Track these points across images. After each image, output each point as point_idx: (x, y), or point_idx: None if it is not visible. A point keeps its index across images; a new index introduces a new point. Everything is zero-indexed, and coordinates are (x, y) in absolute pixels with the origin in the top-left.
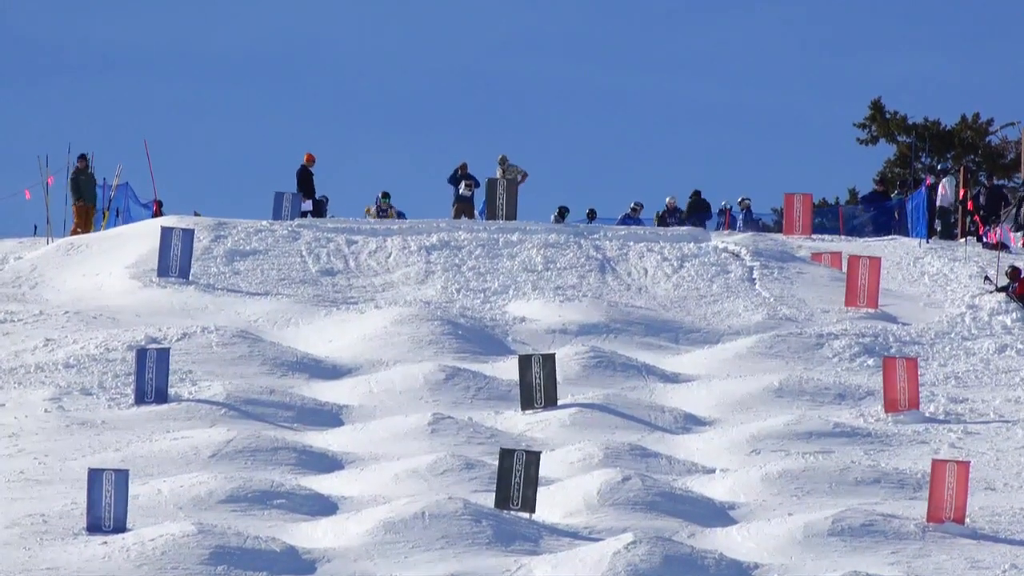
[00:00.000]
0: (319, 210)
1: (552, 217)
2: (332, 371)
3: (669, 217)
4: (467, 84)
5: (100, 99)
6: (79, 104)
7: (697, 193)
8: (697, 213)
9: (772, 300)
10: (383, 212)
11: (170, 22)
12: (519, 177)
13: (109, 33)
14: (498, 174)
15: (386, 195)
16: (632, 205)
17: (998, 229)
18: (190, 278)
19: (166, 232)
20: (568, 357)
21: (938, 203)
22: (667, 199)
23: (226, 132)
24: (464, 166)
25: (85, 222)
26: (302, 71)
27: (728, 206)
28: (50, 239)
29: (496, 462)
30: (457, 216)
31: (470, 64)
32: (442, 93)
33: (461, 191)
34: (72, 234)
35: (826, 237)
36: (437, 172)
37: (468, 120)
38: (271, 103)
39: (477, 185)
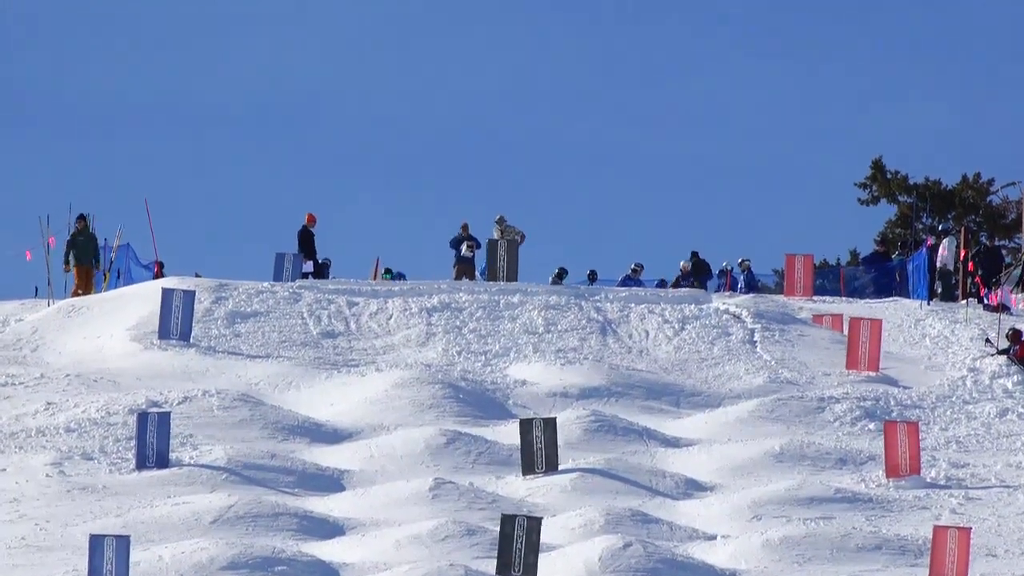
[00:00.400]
0: (321, 272)
1: (550, 279)
2: (333, 435)
3: (683, 281)
4: (465, 144)
5: (101, 160)
6: (80, 165)
7: (696, 254)
8: (697, 275)
9: (773, 363)
10: None
11: (170, 84)
12: (517, 238)
13: (109, 93)
14: (495, 233)
15: (388, 271)
16: (632, 266)
17: (999, 291)
18: (191, 340)
19: (167, 294)
20: (569, 421)
21: (939, 264)
22: (681, 263)
23: (227, 194)
24: (465, 226)
25: (86, 283)
26: (302, 133)
27: (729, 267)
28: (51, 301)
29: (497, 528)
30: (458, 277)
31: (467, 124)
32: (440, 154)
33: (463, 252)
34: (73, 296)
35: (827, 299)
36: (437, 233)
37: (467, 180)
38: (271, 165)
39: (478, 246)
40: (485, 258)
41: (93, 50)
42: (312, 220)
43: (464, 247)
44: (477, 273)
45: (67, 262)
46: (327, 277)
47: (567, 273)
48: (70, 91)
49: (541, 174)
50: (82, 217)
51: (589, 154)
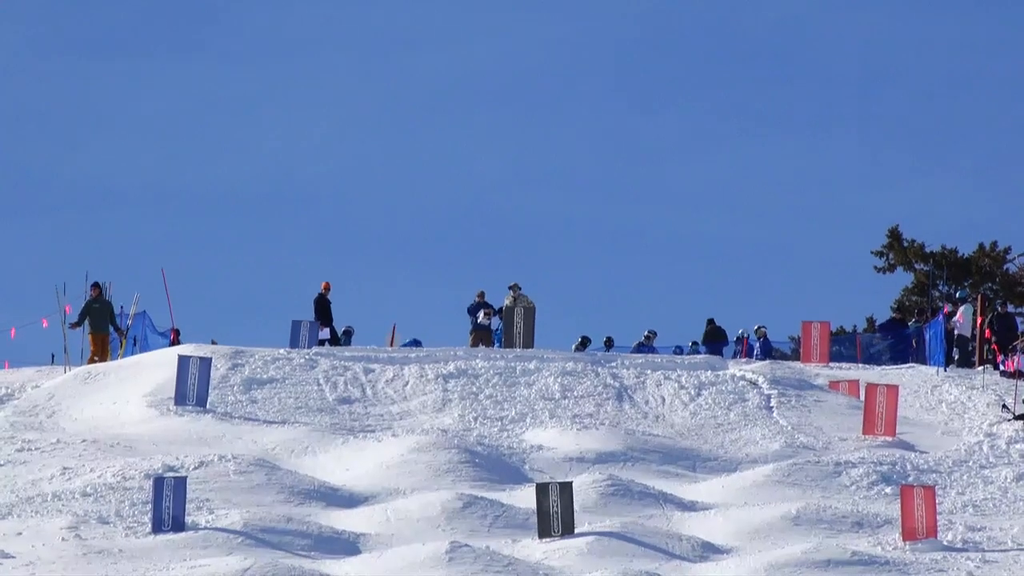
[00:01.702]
0: (338, 340)
1: (573, 347)
2: (349, 499)
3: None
4: (480, 219)
5: (118, 232)
6: (97, 236)
7: (712, 321)
8: (713, 341)
9: (790, 428)
10: None
11: (186, 158)
12: (529, 306)
13: (126, 169)
14: (508, 300)
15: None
16: (646, 333)
17: (1015, 357)
18: (207, 406)
19: (183, 361)
20: (585, 485)
21: (956, 331)
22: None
23: (243, 262)
24: (482, 294)
25: (101, 351)
26: (319, 208)
27: (745, 334)
28: (67, 368)
29: None
30: (475, 344)
31: (483, 200)
32: (455, 226)
33: (479, 319)
34: (89, 363)
35: (844, 365)
36: (454, 301)
37: (483, 252)
38: (288, 238)
39: (495, 313)
40: (501, 325)
41: (113, 133)
42: (327, 288)
43: (481, 314)
44: (493, 340)
45: (78, 323)
46: (350, 344)
47: (591, 341)
48: (91, 169)
49: (557, 246)
50: (97, 285)
51: (603, 228)
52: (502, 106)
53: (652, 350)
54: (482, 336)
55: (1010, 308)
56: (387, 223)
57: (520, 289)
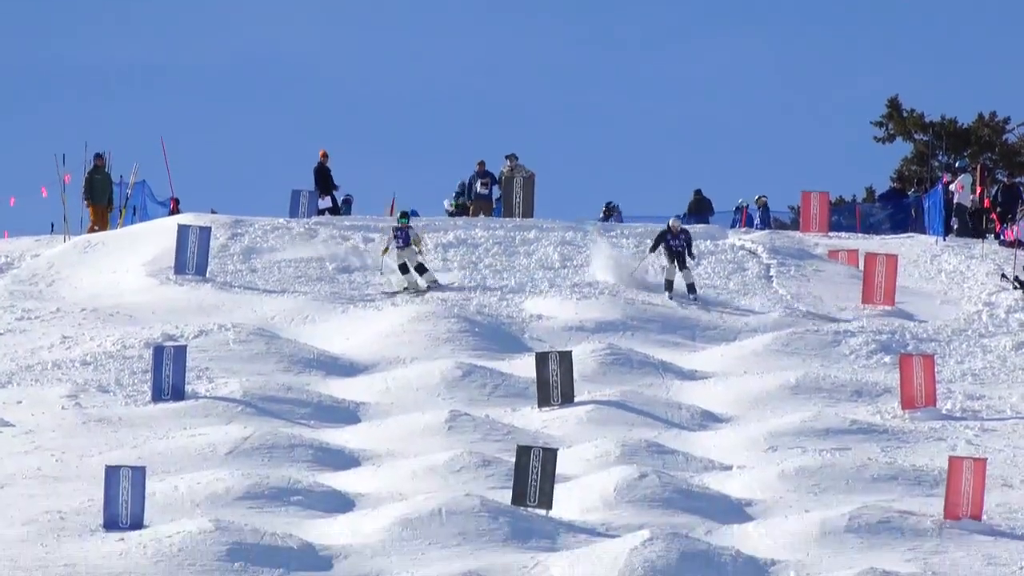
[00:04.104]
0: (338, 209)
1: (601, 214)
2: (349, 368)
3: (672, 240)
4: (474, 90)
5: (118, 103)
6: (97, 107)
7: (699, 192)
8: (698, 212)
9: (789, 297)
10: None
11: (184, 35)
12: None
13: (125, 46)
14: (504, 169)
15: (405, 215)
16: (605, 207)
17: (1015, 227)
18: (207, 276)
19: (183, 230)
20: (585, 354)
21: (955, 201)
22: (670, 221)
23: (242, 132)
24: (481, 163)
25: (102, 220)
26: (317, 76)
27: (745, 204)
28: (67, 237)
29: (513, 459)
30: (474, 214)
31: (474, 74)
32: (453, 98)
33: (478, 189)
34: (89, 232)
35: (843, 235)
36: (450, 171)
37: (478, 122)
38: (286, 106)
39: (495, 182)
40: (500, 194)
41: (112, 9)
42: (325, 156)
43: (479, 184)
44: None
45: (87, 196)
46: (350, 213)
47: (616, 208)
48: (92, 46)
49: (554, 124)
50: (99, 155)
51: (607, 105)
52: None
53: (620, 221)
54: (481, 206)
55: (1018, 179)
56: (386, 94)
57: (517, 159)
